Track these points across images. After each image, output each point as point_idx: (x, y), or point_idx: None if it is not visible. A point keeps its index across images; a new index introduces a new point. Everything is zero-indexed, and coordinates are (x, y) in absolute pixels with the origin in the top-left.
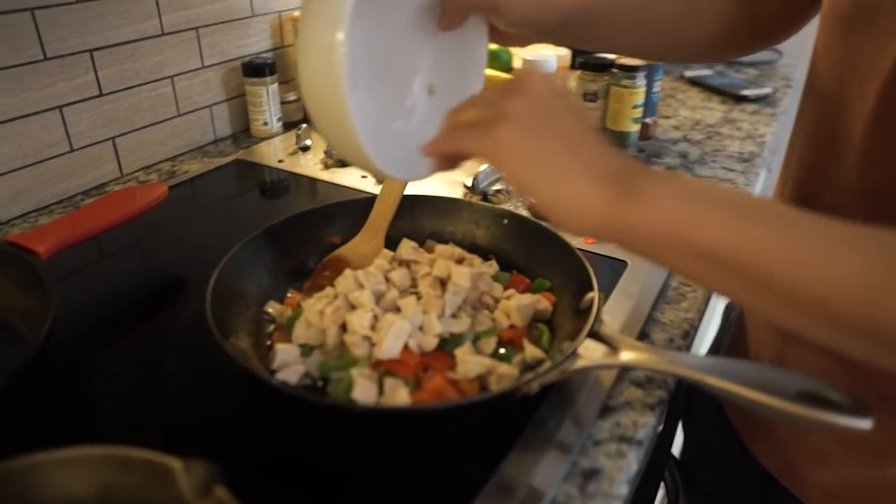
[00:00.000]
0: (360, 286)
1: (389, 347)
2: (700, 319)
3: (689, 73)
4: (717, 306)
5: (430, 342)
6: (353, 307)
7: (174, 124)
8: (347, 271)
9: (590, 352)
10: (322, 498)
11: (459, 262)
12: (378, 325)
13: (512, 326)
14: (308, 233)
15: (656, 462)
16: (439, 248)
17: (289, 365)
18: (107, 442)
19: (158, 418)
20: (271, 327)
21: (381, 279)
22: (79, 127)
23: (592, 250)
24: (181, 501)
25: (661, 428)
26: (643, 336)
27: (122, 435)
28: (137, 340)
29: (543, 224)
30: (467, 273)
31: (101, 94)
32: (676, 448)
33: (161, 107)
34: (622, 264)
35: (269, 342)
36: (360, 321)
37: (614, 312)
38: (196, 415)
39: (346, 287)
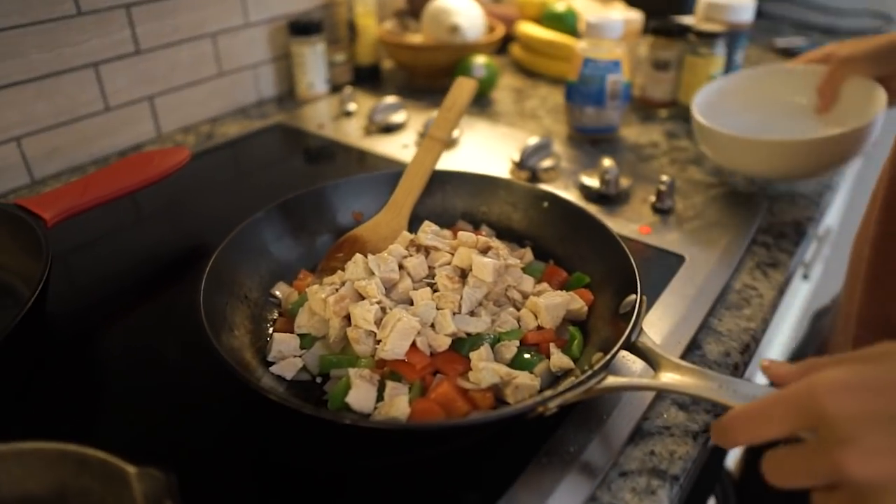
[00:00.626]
0: (370, 273)
1: (394, 347)
2: (764, 330)
3: (780, 43)
4: (787, 314)
5: (442, 342)
6: (360, 297)
7: (215, 84)
8: (357, 256)
9: (627, 363)
10: None
11: (484, 251)
12: (385, 319)
13: (540, 328)
14: (329, 207)
15: (706, 478)
16: (462, 234)
17: (285, 357)
18: (87, 425)
19: (149, 402)
20: (276, 312)
21: (395, 266)
22: (115, 85)
23: (647, 241)
24: None
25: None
26: (694, 347)
27: (105, 419)
28: (145, 315)
29: (587, 211)
30: (490, 265)
31: (137, 52)
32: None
33: (201, 65)
34: (679, 259)
35: (270, 328)
36: (364, 314)
37: (663, 315)
38: (186, 401)
39: (355, 273)
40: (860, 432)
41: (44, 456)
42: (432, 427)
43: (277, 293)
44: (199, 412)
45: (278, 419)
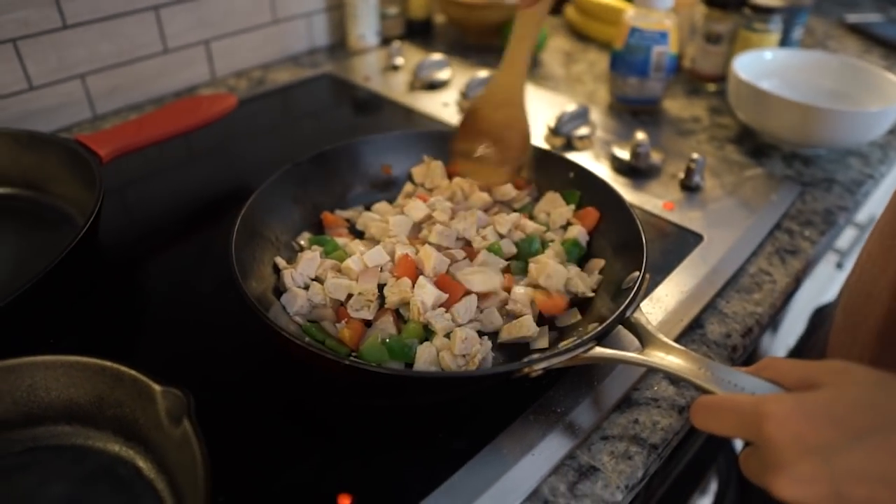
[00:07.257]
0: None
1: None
2: (771, 317)
3: (851, 18)
4: (798, 305)
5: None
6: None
7: (269, 31)
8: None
9: (625, 336)
10: (295, 439)
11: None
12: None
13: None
14: (361, 161)
15: (702, 457)
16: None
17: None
18: (126, 343)
19: (180, 329)
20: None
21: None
22: (173, 28)
23: (668, 217)
24: (159, 423)
25: None
26: (696, 325)
27: (141, 340)
28: (186, 249)
29: (610, 184)
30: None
31: None
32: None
33: (256, 12)
34: (697, 238)
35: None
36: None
37: (670, 292)
38: (212, 330)
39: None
40: (793, 459)
41: (85, 369)
42: (422, 376)
43: (301, 242)
44: (222, 341)
45: (288, 355)
